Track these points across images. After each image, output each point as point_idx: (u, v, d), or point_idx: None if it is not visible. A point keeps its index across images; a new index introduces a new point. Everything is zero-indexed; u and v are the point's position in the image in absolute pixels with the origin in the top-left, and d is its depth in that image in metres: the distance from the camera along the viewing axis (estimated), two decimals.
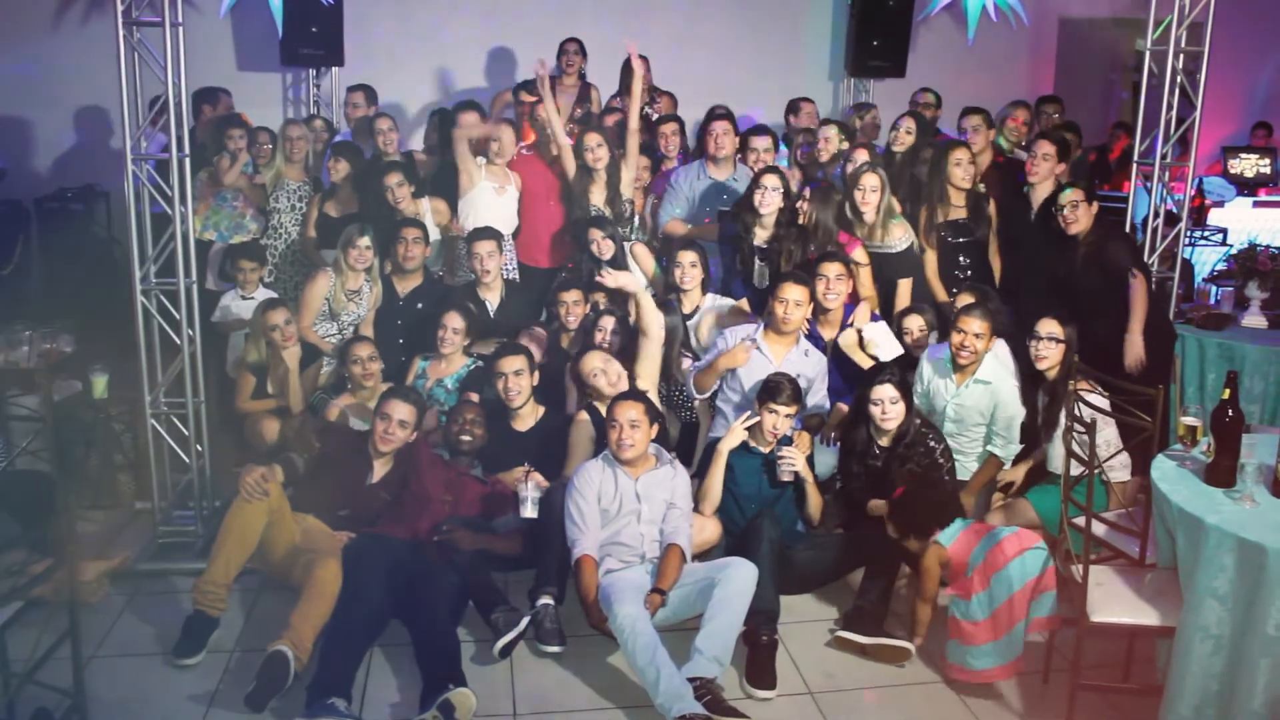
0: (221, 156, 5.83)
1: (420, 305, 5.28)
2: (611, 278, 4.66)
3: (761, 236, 5.17)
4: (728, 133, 5.55)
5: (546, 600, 3.82)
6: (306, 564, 3.76)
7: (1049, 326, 4.36)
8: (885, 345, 4.82)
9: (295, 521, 3.98)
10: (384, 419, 4.21)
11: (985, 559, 3.62)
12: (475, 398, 4.70)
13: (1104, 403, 3.92)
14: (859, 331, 4.86)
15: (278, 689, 3.37)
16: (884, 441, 4.29)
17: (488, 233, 5.26)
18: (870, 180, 5.13)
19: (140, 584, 4.27)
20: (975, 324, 4.39)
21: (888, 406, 4.20)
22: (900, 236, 5.19)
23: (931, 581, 3.82)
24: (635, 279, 4.67)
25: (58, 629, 3.30)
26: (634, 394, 4.08)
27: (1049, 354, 4.33)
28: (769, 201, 5.09)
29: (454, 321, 4.84)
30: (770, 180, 5.11)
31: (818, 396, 4.69)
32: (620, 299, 4.98)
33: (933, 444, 4.26)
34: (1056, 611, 3.57)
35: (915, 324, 4.93)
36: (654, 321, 4.58)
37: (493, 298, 5.27)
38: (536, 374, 4.58)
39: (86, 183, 7.42)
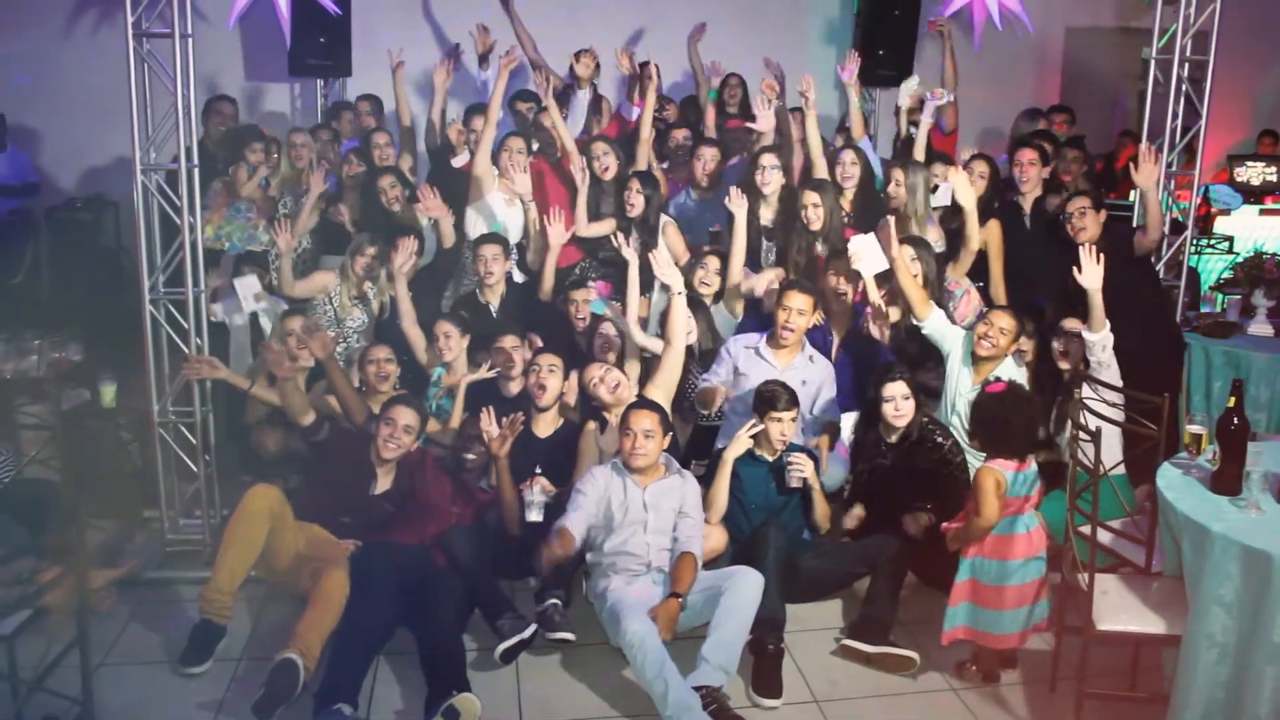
0: (239, 167, 5.83)
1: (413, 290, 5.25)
2: (660, 268, 4.48)
3: (766, 216, 5.16)
4: (716, 159, 5.58)
5: (554, 601, 3.84)
6: (313, 573, 3.77)
7: (1074, 324, 4.39)
8: (868, 259, 4.65)
9: (300, 530, 3.99)
10: (389, 424, 4.15)
11: (1001, 542, 3.53)
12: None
13: (1110, 409, 3.91)
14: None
15: (286, 697, 3.37)
16: (892, 439, 4.31)
17: (493, 237, 5.30)
18: (894, 174, 5.19)
19: (148, 592, 4.28)
20: (1005, 320, 4.43)
21: (900, 403, 4.22)
22: (935, 239, 5.18)
23: (989, 505, 3.48)
24: (679, 277, 4.49)
25: (66, 637, 3.32)
26: (649, 403, 4.05)
27: (1073, 350, 4.32)
28: (770, 179, 5.11)
29: (445, 328, 4.84)
30: (768, 159, 5.13)
31: (825, 400, 4.68)
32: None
33: (940, 440, 4.28)
34: (1044, 618, 3.56)
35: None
36: (680, 331, 4.47)
37: (495, 300, 5.29)
38: (572, 384, 4.58)
39: (95, 192, 7.45)
